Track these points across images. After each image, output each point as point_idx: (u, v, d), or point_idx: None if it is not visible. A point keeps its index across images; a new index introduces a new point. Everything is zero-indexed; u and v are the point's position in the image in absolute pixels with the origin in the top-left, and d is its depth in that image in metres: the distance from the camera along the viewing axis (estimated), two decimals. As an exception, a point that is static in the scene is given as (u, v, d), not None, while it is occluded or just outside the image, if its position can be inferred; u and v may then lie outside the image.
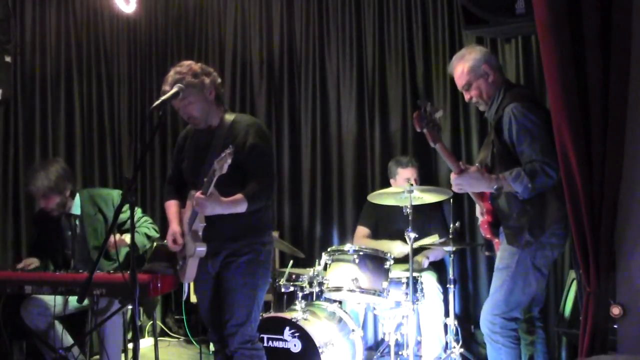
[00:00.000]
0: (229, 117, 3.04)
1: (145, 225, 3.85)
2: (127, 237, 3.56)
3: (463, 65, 3.06)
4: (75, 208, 3.85)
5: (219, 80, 3.05)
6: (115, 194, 3.91)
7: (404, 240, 3.84)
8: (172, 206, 3.12)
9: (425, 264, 4.19)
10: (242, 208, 2.83)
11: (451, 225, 3.87)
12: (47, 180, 3.70)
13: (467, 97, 3.11)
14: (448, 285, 3.88)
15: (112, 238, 3.44)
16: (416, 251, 3.97)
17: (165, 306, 5.33)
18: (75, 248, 3.87)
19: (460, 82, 3.09)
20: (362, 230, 4.42)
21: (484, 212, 3.13)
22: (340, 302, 3.98)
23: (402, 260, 4.01)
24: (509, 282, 2.92)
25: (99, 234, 3.82)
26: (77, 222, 3.86)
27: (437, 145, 2.84)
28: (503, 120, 2.90)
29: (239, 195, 2.82)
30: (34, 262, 3.82)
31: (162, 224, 5.24)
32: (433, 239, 3.99)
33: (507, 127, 2.88)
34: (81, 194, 3.90)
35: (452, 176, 2.89)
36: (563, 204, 2.81)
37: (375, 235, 4.38)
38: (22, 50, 4.77)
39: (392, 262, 3.70)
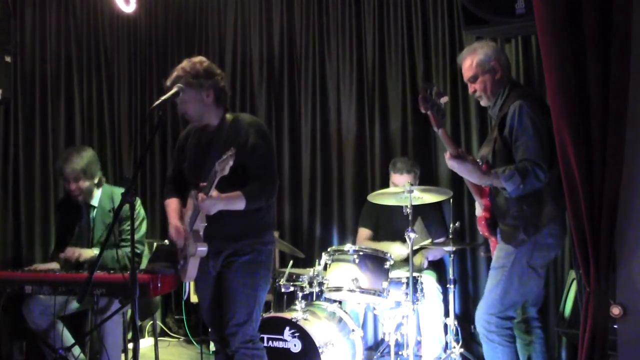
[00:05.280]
0: (230, 116, 3.05)
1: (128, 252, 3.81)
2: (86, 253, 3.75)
3: (473, 58, 3.07)
4: (95, 200, 3.92)
5: (222, 83, 3.01)
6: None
7: (404, 241, 3.84)
8: (172, 204, 3.11)
9: (425, 264, 4.19)
10: (240, 205, 2.83)
11: (451, 225, 3.87)
12: (81, 163, 3.82)
13: (471, 89, 3.13)
14: (448, 285, 3.88)
15: (70, 250, 3.69)
16: (415, 251, 3.97)
17: (165, 306, 5.33)
18: (86, 236, 3.92)
19: (467, 73, 3.11)
20: (364, 232, 4.43)
21: (482, 209, 3.14)
22: (340, 302, 3.98)
23: (401, 265, 4.01)
24: (505, 281, 2.93)
25: (107, 231, 3.84)
26: (94, 214, 3.92)
27: (440, 131, 2.83)
28: (507, 117, 2.92)
29: (237, 192, 2.83)
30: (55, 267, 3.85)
31: (162, 223, 5.29)
32: (417, 229, 3.96)
33: (509, 123, 2.90)
34: (104, 188, 3.97)
35: (446, 155, 2.87)
36: (559, 204, 2.83)
37: (376, 235, 4.38)
38: (22, 50, 4.76)
39: (392, 262, 3.70)
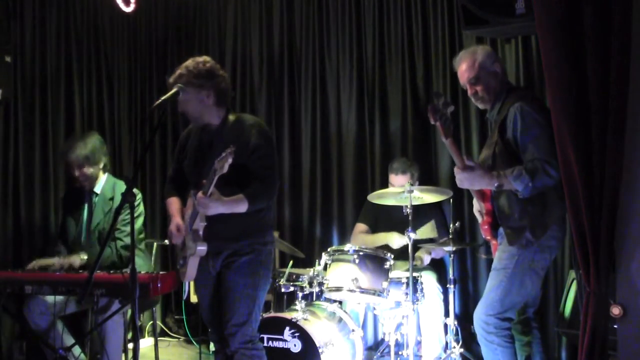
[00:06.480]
0: (232, 116, 3.05)
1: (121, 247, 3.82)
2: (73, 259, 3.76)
3: (474, 59, 3.06)
4: (99, 186, 3.95)
5: (224, 84, 3.01)
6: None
7: (401, 232, 3.84)
8: (173, 203, 3.13)
9: (427, 260, 4.18)
10: (242, 208, 2.84)
11: (451, 225, 3.87)
12: (84, 149, 3.86)
13: (470, 91, 3.11)
14: (448, 285, 3.88)
15: (60, 260, 3.71)
16: (416, 248, 3.96)
17: (165, 306, 5.33)
18: (87, 222, 3.94)
19: (467, 74, 3.09)
20: (360, 227, 4.43)
21: (483, 212, 3.14)
22: (340, 302, 3.98)
23: (402, 256, 3.99)
24: (506, 282, 2.93)
25: (105, 219, 3.87)
26: (96, 200, 3.94)
27: (448, 141, 2.82)
28: (507, 120, 2.91)
29: (240, 195, 2.83)
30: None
31: (163, 222, 5.29)
32: (428, 228, 3.94)
33: (511, 125, 2.90)
34: (108, 178, 4.00)
35: (456, 170, 2.89)
36: (563, 204, 2.82)
37: (374, 232, 4.37)
38: (22, 50, 4.76)
39: (392, 262, 3.70)
